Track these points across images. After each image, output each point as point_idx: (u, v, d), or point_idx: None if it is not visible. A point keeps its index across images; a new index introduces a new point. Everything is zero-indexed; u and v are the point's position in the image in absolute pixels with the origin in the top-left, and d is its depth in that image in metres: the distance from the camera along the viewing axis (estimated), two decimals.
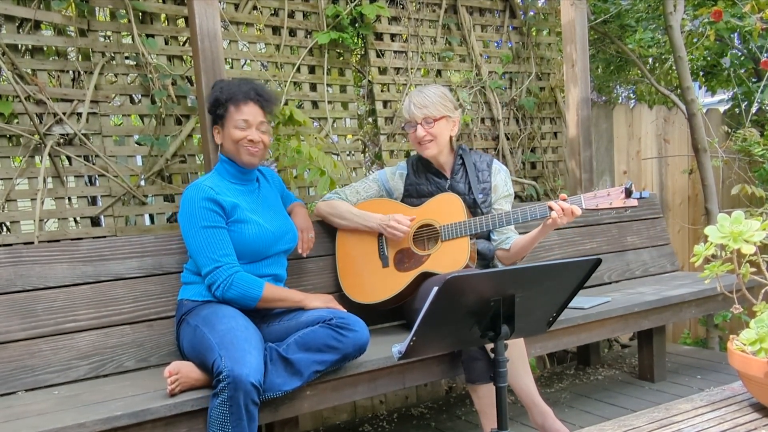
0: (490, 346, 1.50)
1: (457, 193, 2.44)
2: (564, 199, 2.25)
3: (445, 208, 2.40)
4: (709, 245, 1.44)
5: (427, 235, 2.43)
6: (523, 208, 2.31)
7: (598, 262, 1.46)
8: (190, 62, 2.75)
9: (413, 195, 2.52)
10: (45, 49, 2.51)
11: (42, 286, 2.10)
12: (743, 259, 1.47)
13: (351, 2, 3.16)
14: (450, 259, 2.32)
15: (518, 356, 2.18)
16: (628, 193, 2.18)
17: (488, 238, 2.53)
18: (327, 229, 2.59)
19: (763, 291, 1.51)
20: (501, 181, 2.55)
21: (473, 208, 2.46)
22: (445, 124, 2.43)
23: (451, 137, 2.49)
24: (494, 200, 2.53)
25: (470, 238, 2.34)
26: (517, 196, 3.68)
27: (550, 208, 2.24)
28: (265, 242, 2.14)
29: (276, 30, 3.04)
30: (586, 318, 2.59)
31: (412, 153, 3.37)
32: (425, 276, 2.35)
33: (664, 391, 3.05)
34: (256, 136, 2.13)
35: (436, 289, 1.31)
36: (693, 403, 1.52)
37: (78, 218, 2.58)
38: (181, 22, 2.86)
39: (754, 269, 1.51)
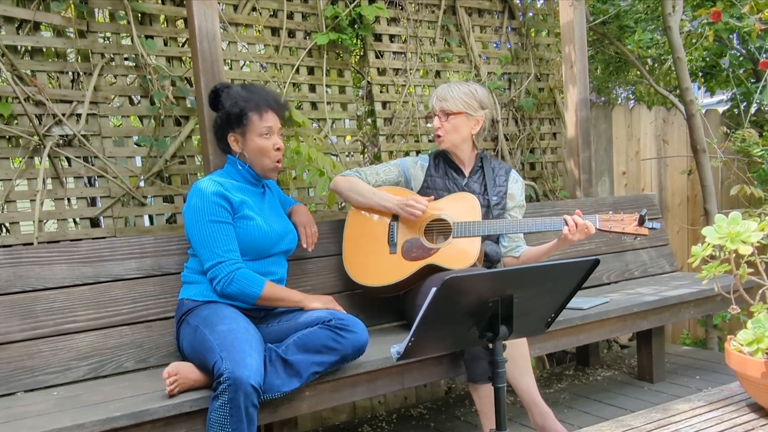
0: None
1: (472, 193, 2.47)
2: (579, 215, 2.27)
3: (461, 207, 2.42)
4: (707, 246, 1.44)
5: (437, 229, 2.43)
6: (538, 218, 2.33)
7: (596, 263, 1.47)
8: (190, 63, 2.75)
9: (429, 187, 2.54)
10: (44, 50, 2.51)
11: (41, 287, 2.10)
12: (741, 260, 1.47)
13: (350, 3, 3.16)
14: (459, 256, 2.33)
15: (521, 357, 2.18)
16: (641, 221, 2.21)
17: (496, 242, 2.54)
18: (326, 231, 2.59)
19: (760, 292, 1.51)
20: (518, 190, 2.59)
21: (486, 209, 2.49)
22: (463, 121, 2.45)
23: (472, 135, 2.51)
24: (509, 207, 2.57)
25: (482, 239, 2.35)
26: None
27: (565, 222, 2.26)
28: (269, 240, 2.15)
29: (275, 31, 3.04)
30: (584, 319, 2.59)
31: (411, 154, 3.38)
32: (430, 269, 2.35)
33: (663, 392, 3.05)
34: (280, 144, 2.18)
35: (434, 289, 1.32)
36: (691, 403, 1.53)
37: (77, 219, 2.58)
38: (180, 23, 2.87)
39: (751, 270, 1.51)
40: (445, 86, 2.48)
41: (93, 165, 2.58)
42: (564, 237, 2.27)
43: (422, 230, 2.43)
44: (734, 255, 1.44)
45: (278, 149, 2.17)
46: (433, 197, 2.44)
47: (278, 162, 2.19)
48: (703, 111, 4.16)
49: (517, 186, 2.60)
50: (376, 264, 2.43)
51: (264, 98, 2.17)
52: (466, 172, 2.56)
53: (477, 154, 2.59)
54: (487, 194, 2.51)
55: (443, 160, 2.57)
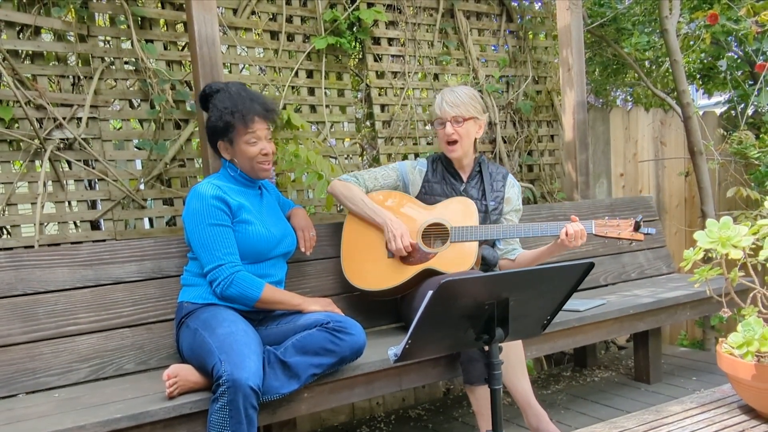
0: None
1: (470, 198, 2.48)
2: (575, 221, 2.29)
3: (458, 211, 2.43)
4: (698, 250, 1.46)
5: (435, 233, 2.45)
6: (536, 224, 2.36)
7: (591, 265, 1.48)
8: (189, 67, 2.77)
9: (427, 192, 2.55)
10: (45, 54, 2.53)
11: (42, 289, 2.12)
12: (737, 263, 1.49)
13: (349, 7, 3.18)
14: (456, 260, 2.35)
15: (516, 359, 2.20)
16: (637, 227, 2.25)
17: (493, 245, 2.56)
18: (325, 234, 2.61)
19: (751, 295, 1.53)
20: (515, 195, 2.62)
21: (484, 214, 2.51)
22: (472, 125, 2.48)
23: (475, 139, 2.54)
24: (506, 211, 2.58)
25: (479, 244, 2.37)
26: None
27: (565, 231, 2.29)
28: (268, 244, 2.17)
29: (274, 35, 3.06)
30: (581, 320, 2.61)
31: (410, 156, 3.40)
32: (428, 273, 2.37)
33: (659, 393, 3.07)
34: (267, 148, 2.17)
35: (431, 292, 1.33)
36: (683, 405, 1.55)
37: (78, 222, 2.60)
38: (180, 27, 2.88)
39: (742, 273, 1.53)
40: (451, 91, 2.48)
41: (93, 168, 2.61)
42: (561, 242, 2.30)
43: (420, 234, 2.45)
44: (726, 258, 1.46)
45: (265, 154, 2.16)
46: (415, 242, 2.41)
47: (267, 165, 2.19)
48: (701, 113, 4.17)
49: (513, 190, 2.62)
50: (374, 268, 2.45)
51: (249, 107, 2.13)
52: (465, 178, 2.57)
53: (476, 158, 2.60)
54: (485, 199, 2.53)
55: (441, 165, 2.58)
